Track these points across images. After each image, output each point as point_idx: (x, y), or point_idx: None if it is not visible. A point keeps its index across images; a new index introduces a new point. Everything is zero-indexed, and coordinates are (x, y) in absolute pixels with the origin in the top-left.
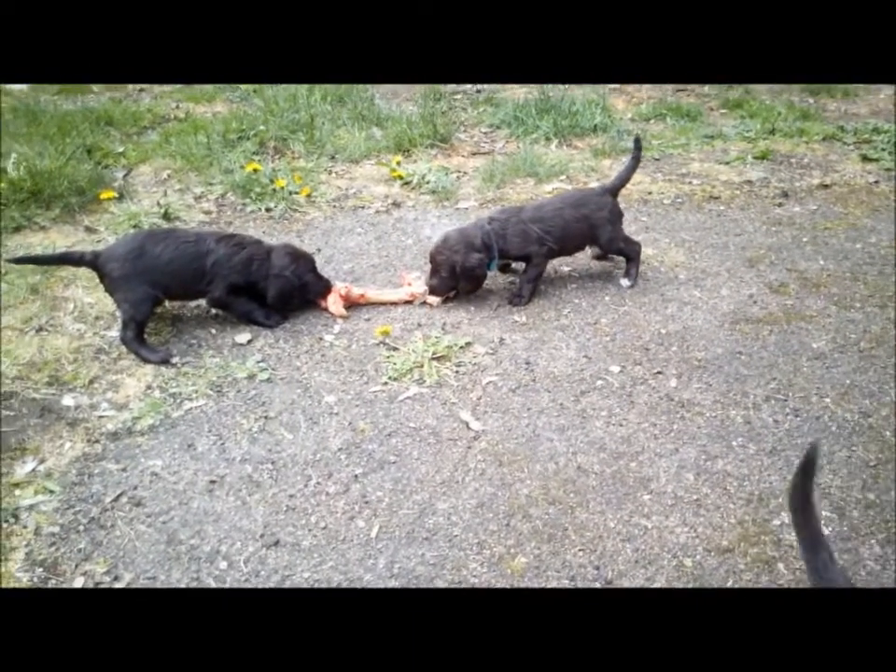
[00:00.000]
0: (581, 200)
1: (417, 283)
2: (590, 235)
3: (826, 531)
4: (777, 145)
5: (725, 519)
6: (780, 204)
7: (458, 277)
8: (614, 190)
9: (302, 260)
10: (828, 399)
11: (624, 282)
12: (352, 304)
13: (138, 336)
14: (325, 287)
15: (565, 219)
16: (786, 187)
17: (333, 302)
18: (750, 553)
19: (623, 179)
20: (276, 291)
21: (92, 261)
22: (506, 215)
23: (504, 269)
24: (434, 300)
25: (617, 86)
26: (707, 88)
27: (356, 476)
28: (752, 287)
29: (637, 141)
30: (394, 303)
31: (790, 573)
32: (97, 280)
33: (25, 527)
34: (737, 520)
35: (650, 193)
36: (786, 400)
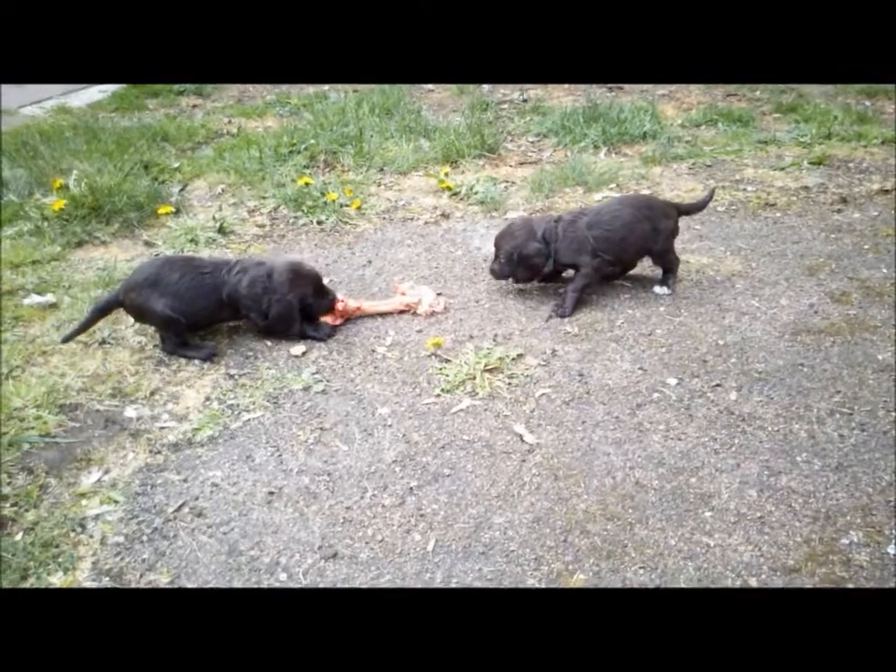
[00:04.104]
0: (645, 202)
1: (412, 292)
2: (651, 239)
3: None
4: (833, 149)
5: (791, 537)
6: (839, 211)
7: (516, 264)
8: (680, 210)
9: (303, 281)
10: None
11: (661, 289)
12: (350, 317)
13: (181, 344)
14: (331, 301)
15: (624, 221)
16: (844, 192)
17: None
18: (818, 573)
19: (691, 208)
20: (274, 314)
21: (117, 299)
22: (571, 216)
23: (555, 276)
24: (426, 310)
25: (666, 92)
26: (758, 92)
27: (411, 489)
28: (813, 296)
29: (712, 191)
30: (390, 314)
31: None
32: None
33: (91, 537)
34: (803, 538)
35: None
36: (851, 414)
